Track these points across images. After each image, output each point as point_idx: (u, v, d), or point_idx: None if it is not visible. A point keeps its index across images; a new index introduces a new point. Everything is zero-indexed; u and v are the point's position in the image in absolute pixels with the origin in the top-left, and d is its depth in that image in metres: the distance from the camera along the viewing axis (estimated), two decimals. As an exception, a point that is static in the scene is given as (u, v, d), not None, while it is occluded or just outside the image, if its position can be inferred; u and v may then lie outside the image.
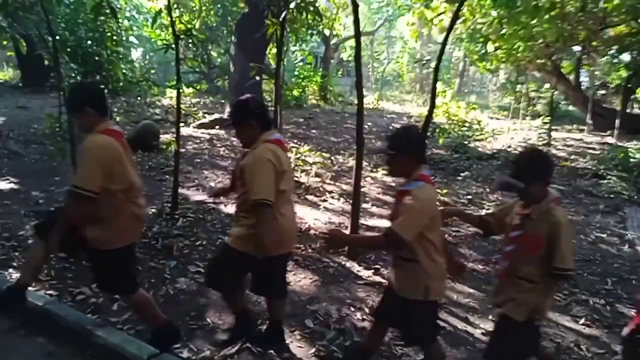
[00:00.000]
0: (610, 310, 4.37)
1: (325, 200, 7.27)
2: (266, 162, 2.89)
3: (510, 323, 2.67)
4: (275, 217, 2.94)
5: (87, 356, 3.15)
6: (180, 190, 6.69)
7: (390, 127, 15.43)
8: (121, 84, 12.18)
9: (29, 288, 3.50)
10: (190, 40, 6.82)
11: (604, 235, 6.39)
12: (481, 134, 13.40)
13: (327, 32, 20.25)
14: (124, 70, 12.24)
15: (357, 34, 5.10)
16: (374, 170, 9.43)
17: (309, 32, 15.68)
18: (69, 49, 11.84)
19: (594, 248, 5.93)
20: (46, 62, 14.29)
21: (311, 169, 8.33)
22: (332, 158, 10.02)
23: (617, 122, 14.08)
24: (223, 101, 16.62)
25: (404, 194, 2.66)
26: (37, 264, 3.46)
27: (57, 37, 9.70)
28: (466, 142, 11.53)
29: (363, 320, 3.88)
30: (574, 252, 2.73)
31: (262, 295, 3.61)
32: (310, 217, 6.37)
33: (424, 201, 2.59)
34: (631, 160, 10.15)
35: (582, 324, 4.10)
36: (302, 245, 5.29)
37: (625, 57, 16.85)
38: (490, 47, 13.16)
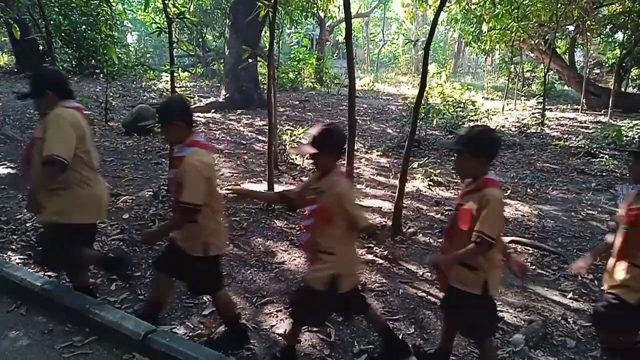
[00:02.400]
0: (598, 285, 4.46)
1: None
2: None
3: (311, 291, 2.78)
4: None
5: (85, 333, 3.24)
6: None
7: (386, 109, 15.47)
8: (116, 68, 12.16)
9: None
10: (184, 24, 6.83)
11: (595, 213, 6.48)
12: (475, 115, 13.40)
13: (321, 14, 20.14)
14: (119, 55, 12.23)
15: (348, 16, 5.12)
16: (369, 151, 9.50)
17: (304, 14, 15.67)
18: (63, 34, 11.79)
19: (585, 225, 6.03)
20: (40, 47, 14.23)
21: (306, 151, 8.37)
22: (327, 140, 10.07)
23: (611, 101, 14.13)
24: (219, 85, 16.60)
25: (179, 160, 2.85)
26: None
27: (51, 22, 9.71)
28: (460, 123, 11.55)
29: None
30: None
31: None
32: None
33: (197, 164, 2.80)
34: (624, 138, 10.22)
35: (570, 298, 4.19)
36: (296, 226, 5.39)
37: (620, 35, 16.83)
38: (484, 27, 13.15)
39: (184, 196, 2.78)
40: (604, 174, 8.32)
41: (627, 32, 15.67)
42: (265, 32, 14.00)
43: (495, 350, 3.10)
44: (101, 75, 10.67)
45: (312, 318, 2.98)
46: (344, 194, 2.68)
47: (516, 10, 11.72)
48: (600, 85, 18.12)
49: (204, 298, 3.77)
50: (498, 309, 3.88)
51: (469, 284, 2.68)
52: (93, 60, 13.53)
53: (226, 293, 3.34)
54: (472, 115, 13.11)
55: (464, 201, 2.68)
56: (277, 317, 3.61)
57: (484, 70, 30.81)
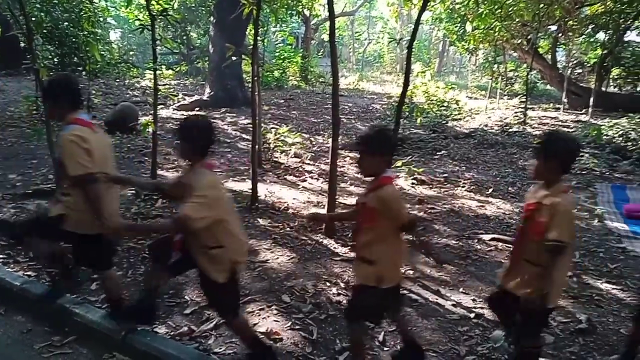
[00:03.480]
0: (577, 282, 4.53)
1: (304, 180, 7.36)
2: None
3: (212, 283, 2.82)
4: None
5: (65, 333, 3.22)
6: (160, 172, 6.73)
7: (371, 108, 15.52)
8: (99, 65, 12.03)
9: None
10: (167, 21, 6.79)
11: (575, 210, 6.57)
12: (459, 114, 13.55)
13: (307, 12, 20.13)
14: (101, 52, 12.10)
15: (331, 15, 5.13)
16: (353, 150, 9.52)
17: (289, 12, 15.65)
18: (44, 31, 11.63)
19: (564, 223, 6.11)
20: (22, 45, 14.00)
21: (290, 150, 8.39)
22: (312, 138, 10.10)
23: (592, 100, 14.32)
24: (203, 83, 16.52)
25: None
26: None
27: (33, 19, 9.57)
28: (444, 122, 11.66)
29: (339, 294, 3.99)
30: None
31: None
32: (289, 197, 6.46)
33: (71, 138, 2.89)
34: (604, 137, 10.37)
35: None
36: (280, 225, 5.39)
37: (601, 35, 17.07)
38: (468, 27, 13.24)
39: (69, 172, 2.87)
40: (584, 172, 8.44)
41: (608, 32, 15.90)
42: (250, 30, 13.94)
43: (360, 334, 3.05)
44: (83, 72, 10.54)
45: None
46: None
47: (499, 10, 11.82)
48: (581, 84, 18.34)
49: (186, 297, 3.76)
50: (479, 305, 3.96)
51: (367, 277, 2.74)
52: (75, 58, 13.30)
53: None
54: (455, 114, 13.24)
55: (366, 199, 2.75)
56: (259, 315, 3.61)
57: (467, 70, 31.06)
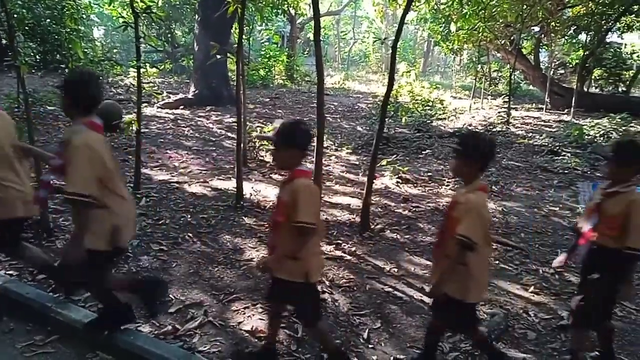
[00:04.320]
0: (558, 279, 4.59)
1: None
2: None
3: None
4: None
5: (47, 332, 3.19)
6: (144, 170, 6.69)
7: (356, 107, 15.55)
8: (82, 63, 11.89)
9: None
10: (151, 19, 6.73)
11: (557, 209, 6.66)
12: (443, 113, 13.62)
13: (292, 11, 20.09)
14: (84, 49, 11.97)
15: (316, 14, 5.14)
16: (339, 149, 9.55)
17: (274, 11, 15.61)
18: (26, 27, 11.48)
19: (546, 221, 6.19)
20: (3, 41, 13.83)
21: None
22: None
23: (574, 100, 14.51)
24: (188, 81, 16.41)
25: None
26: None
27: (14, 15, 9.44)
28: (429, 121, 11.71)
29: (323, 292, 4.00)
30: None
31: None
32: (275, 195, 6.44)
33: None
34: (585, 137, 10.51)
35: (532, 292, 4.31)
36: (265, 223, 5.39)
37: (583, 37, 17.29)
38: (452, 27, 13.35)
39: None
40: (566, 171, 8.55)
41: (590, 33, 16.11)
42: (236, 29, 13.89)
43: (326, 332, 3.11)
44: (66, 70, 10.42)
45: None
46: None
47: (483, 11, 11.93)
48: (564, 85, 18.56)
49: (170, 295, 3.75)
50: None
51: (293, 273, 2.73)
52: (58, 55, 13.16)
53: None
54: (440, 114, 13.32)
55: (281, 193, 2.78)
56: (244, 314, 3.61)
57: (452, 70, 31.25)
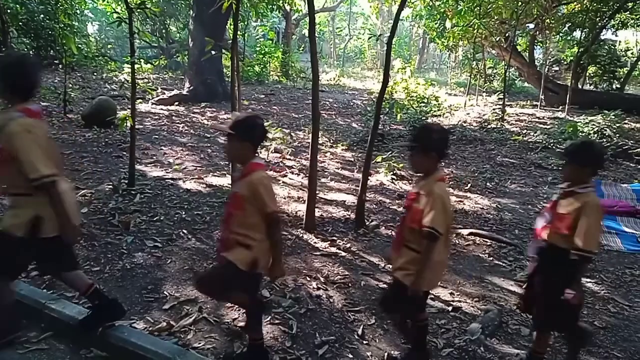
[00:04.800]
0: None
1: (285, 176, 7.34)
2: None
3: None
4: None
5: (41, 329, 3.18)
6: (138, 167, 6.67)
7: (351, 103, 15.55)
8: (76, 58, 11.85)
9: None
10: (145, 14, 6.70)
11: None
12: (438, 110, 13.65)
13: (287, 7, 20.04)
14: (78, 45, 11.91)
15: (311, 10, 5.13)
16: (334, 145, 9.54)
17: (269, 7, 15.56)
18: (20, 23, 11.40)
19: (541, 218, 6.21)
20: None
21: (271, 145, 8.37)
22: (293, 134, 10.09)
23: (568, 97, 14.55)
24: (182, 77, 16.35)
25: None
26: None
27: (8, 11, 9.39)
28: (424, 118, 11.71)
29: (318, 289, 4.01)
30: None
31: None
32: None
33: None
34: (579, 133, 10.55)
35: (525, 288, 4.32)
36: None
37: (578, 34, 17.34)
38: (447, 24, 13.35)
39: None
40: (560, 168, 8.57)
41: (584, 30, 16.16)
42: (231, 25, 13.84)
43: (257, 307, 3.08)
44: (60, 66, 10.38)
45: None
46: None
47: (478, 8, 11.95)
48: (558, 82, 18.60)
49: (165, 292, 3.74)
50: (457, 299, 4.01)
51: (241, 260, 2.74)
52: (52, 51, 13.09)
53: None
54: (435, 111, 13.33)
55: (237, 188, 2.80)
56: (239, 310, 3.60)
57: (447, 66, 31.29)
